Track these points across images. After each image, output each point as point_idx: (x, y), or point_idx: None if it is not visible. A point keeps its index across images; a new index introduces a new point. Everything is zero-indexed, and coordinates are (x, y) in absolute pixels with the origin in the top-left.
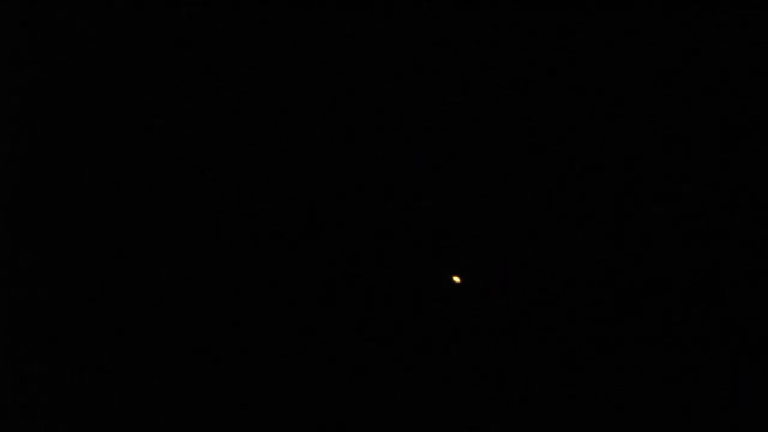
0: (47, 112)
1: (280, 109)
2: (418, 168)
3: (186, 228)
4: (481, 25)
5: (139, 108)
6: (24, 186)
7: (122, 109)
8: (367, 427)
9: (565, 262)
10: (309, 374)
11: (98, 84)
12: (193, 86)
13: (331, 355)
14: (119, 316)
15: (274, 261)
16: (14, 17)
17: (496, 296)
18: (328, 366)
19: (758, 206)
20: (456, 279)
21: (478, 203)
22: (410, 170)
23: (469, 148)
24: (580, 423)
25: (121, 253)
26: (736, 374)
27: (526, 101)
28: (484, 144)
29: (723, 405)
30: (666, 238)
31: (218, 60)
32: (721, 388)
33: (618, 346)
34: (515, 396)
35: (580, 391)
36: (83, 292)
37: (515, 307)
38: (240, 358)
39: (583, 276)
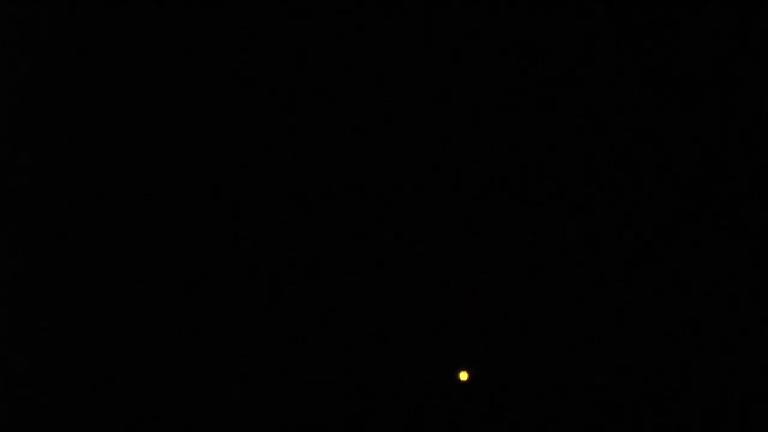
0: (45, 111)
1: (278, 110)
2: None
3: (183, 229)
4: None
5: (137, 108)
6: (23, 186)
7: (121, 109)
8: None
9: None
10: (308, 375)
11: (97, 83)
12: (190, 87)
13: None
14: (117, 317)
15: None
16: (13, 17)
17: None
18: (328, 367)
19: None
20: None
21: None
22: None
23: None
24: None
25: (118, 253)
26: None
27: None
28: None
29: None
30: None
31: (217, 60)
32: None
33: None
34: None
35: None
36: (81, 292)
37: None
38: (239, 358)
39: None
